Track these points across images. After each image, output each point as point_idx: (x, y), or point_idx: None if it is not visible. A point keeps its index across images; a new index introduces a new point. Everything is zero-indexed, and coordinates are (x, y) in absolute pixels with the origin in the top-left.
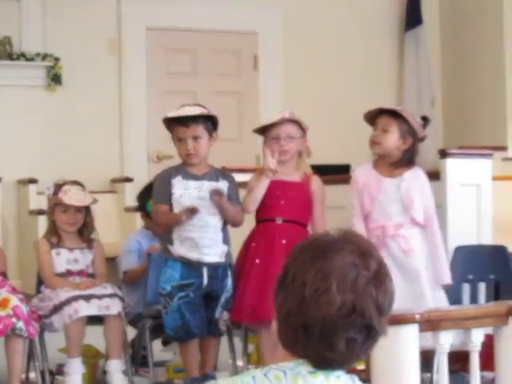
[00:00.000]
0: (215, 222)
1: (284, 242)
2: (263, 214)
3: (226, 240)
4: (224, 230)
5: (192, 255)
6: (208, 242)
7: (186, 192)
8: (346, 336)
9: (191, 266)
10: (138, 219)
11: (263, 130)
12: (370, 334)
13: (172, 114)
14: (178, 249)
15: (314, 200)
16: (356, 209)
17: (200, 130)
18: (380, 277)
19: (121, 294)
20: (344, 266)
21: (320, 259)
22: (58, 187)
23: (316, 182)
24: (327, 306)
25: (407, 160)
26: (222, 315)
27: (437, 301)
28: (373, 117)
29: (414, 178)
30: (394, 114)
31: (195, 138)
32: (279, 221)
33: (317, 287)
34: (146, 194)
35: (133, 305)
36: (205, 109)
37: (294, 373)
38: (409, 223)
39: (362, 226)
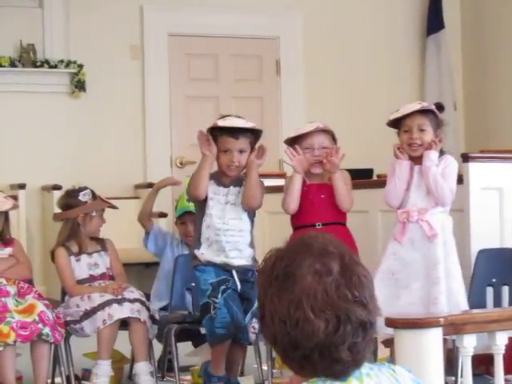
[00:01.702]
0: (242, 225)
1: None
2: (301, 220)
3: (252, 244)
4: (251, 233)
5: (219, 259)
6: (234, 245)
7: (215, 197)
8: (347, 345)
9: (221, 268)
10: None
11: (294, 141)
12: (366, 327)
13: (224, 123)
14: (205, 253)
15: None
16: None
17: (246, 143)
18: (347, 271)
19: (147, 302)
20: (309, 285)
21: (285, 290)
22: None
23: (340, 173)
24: (313, 334)
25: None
26: (252, 322)
27: (453, 292)
28: (396, 120)
29: (439, 163)
30: (422, 112)
31: (241, 151)
32: (319, 225)
33: (296, 320)
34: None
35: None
36: (252, 123)
37: None
38: (431, 207)
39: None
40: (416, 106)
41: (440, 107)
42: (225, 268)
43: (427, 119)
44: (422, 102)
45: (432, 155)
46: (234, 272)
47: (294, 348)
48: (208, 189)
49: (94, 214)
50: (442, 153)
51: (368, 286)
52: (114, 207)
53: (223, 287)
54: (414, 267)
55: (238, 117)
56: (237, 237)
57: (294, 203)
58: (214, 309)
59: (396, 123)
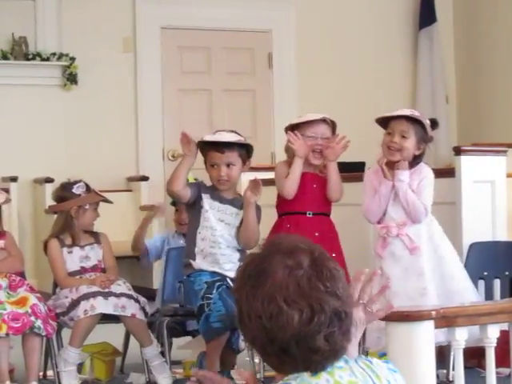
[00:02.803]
0: (235, 243)
1: (317, 234)
2: (290, 207)
3: (242, 259)
4: (241, 251)
5: (214, 270)
6: (229, 258)
7: (210, 211)
8: (322, 334)
9: (215, 273)
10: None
11: (294, 128)
12: (341, 317)
13: (208, 137)
14: (200, 264)
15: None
16: (368, 196)
17: (234, 157)
18: (317, 265)
19: (135, 294)
20: (281, 279)
21: (258, 286)
22: None
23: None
24: (288, 324)
25: (415, 163)
26: None
27: (460, 293)
28: (385, 119)
29: (412, 175)
30: (410, 120)
31: (228, 165)
32: (310, 214)
33: (270, 313)
34: None
35: None
36: (241, 137)
37: (299, 381)
38: (411, 221)
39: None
40: (406, 112)
41: (434, 123)
42: (219, 274)
43: (412, 128)
44: (416, 95)
45: (401, 176)
46: (228, 279)
47: (271, 342)
48: (204, 201)
49: (87, 206)
50: (417, 161)
51: (340, 279)
52: (108, 201)
53: (218, 283)
54: (394, 281)
55: (232, 131)
56: (230, 251)
57: (293, 189)
58: (208, 306)
59: (384, 123)
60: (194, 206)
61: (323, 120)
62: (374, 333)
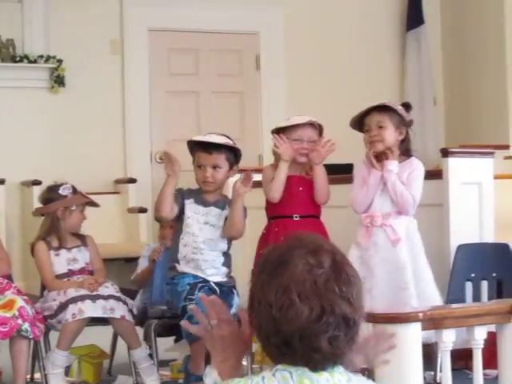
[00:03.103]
0: (218, 247)
1: None
2: (278, 210)
3: (227, 263)
4: (226, 254)
5: (197, 274)
6: (211, 263)
7: (194, 216)
8: (327, 336)
9: (199, 277)
10: (141, 220)
11: (280, 131)
12: (349, 324)
13: (197, 138)
14: (184, 268)
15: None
16: (355, 187)
17: (221, 159)
18: (337, 268)
19: (123, 296)
20: (299, 273)
21: (275, 276)
22: None
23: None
24: (297, 318)
25: (404, 149)
26: None
27: (426, 295)
28: (358, 122)
29: (403, 166)
30: (381, 110)
31: (215, 167)
32: (297, 217)
33: (281, 304)
34: None
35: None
36: (230, 140)
37: (299, 373)
38: (396, 212)
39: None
40: (374, 104)
41: (407, 106)
42: (202, 277)
43: (386, 116)
44: (404, 97)
45: (389, 165)
46: (212, 283)
47: (276, 333)
48: (186, 207)
49: (73, 208)
50: (408, 153)
51: (356, 286)
52: (95, 204)
53: (200, 285)
54: (376, 271)
55: (222, 135)
56: (212, 256)
57: (278, 192)
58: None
59: (359, 125)
60: (179, 214)
61: (310, 123)
62: None
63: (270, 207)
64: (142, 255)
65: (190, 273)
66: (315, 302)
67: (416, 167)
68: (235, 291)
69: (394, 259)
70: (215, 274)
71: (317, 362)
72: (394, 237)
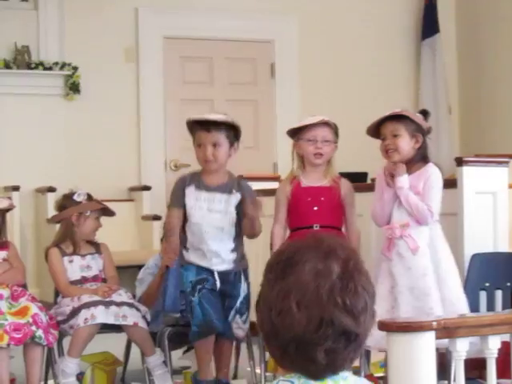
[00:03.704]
0: (225, 234)
1: None
2: (298, 222)
3: (236, 249)
4: (236, 240)
5: (202, 263)
6: (215, 253)
7: (196, 203)
8: (324, 348)
9: (203, 269)
10: (155, 228)
11: (295, 133)
12: (350, 338)
13: (195, 117)
14: (191, 256)
15: (346, 203)
16: (375, 196)
17: (221, 137)
18: (346, 277)
19: (136, 302)
20: (304, 279)
21: (281, 278)
22: None
23: (345, 184)
24: (293, 327)
25: (421, 156)
26: (236, 319)
27: (449, 301)
28: (375, 129)
29: (420, 175)
30: (396, 119)
31: (215, 145)
32: (316, 227)
33: (280, 309)
34: None
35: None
36: (229, 118)
37: (302, 382)
38: (415, 222)
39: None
40: (387, 114)
41: (425, 113)
42: (207, 268)
43: (401, 125)
44: (419, 106)
45: (399, 183)
46: (216, 273)
47: (274, 337)
48: (187, 196)
49: (88, 213)
50: (425, 160)
51: (364, 298)
52: (109, 213)
53: (199, 286)
54: (399, 280)
55: (224, 114)
56: (217, 246)
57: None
58: (191, 309)
59: (376, 132)
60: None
61: (324, 123)
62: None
63: (291, 219)
64: (144, 271)
65: (195, 263)
66: (314, 312)
67: (430, 174)
68: (243, 278)
69: (415, 267)
70: (220, 263)
71: (313, 372)
72: (413, 245)
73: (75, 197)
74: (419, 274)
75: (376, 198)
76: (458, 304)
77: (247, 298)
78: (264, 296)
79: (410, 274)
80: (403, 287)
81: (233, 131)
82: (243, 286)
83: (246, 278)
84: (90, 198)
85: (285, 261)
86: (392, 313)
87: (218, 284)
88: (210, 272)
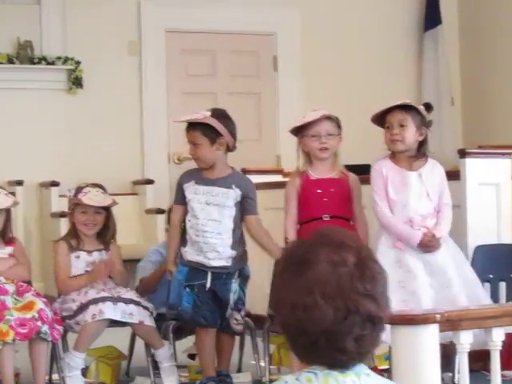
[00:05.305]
0: (221, 228)
1: None
2: (308, 214)
3: (235, 245)
4: (235, 235)
5: (198, 259)
6: (212, 247)
7: (195, 197)
8: (353, 336)
9: (196, 270)
10: (159, 221)
11: (298, 130)
12: (375, 323)
13: (177, 119)
14: (188, 251)
15: (353, 196)
16: (379, 195)
17: (197, 136)
18: (361, 265)
19: (143, 301)
20: (322, 272)
21: (298, 276)
22: (79, 189)
23: (354, 178)
24: (321, 319)
25: (423, 151)
26: (233, 315)
27: (474, 298)
28: (380, 118)
29: (433, 168)
30: (404, 109)
31: (194, 144)
32: (326, 217)
33: (305, 305)
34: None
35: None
36: (202, 115)
37: (325, 373)
38: (433, 213)
39: (388, 210)
40: (397, 103)
41: (428, 107)
42: (201, 269)
43: (409, 115)
44: (421, 98)
45: (442, 240)
46: (209, 273)
47: (301, 334)
48: (187, 190)
49: (71, 208)
50: (424, 155)
51: (381, 283)
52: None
53: (188, 290)
54: (417, 273)
55: (208, 111)
56: (214, 239)
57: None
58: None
59: (380, 121)
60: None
61: (326, 117)
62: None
63: (299, 212)
64: (145, 259)
65: (192, 260)
66: (340, 302)
67: (440, 172)
68: (236, 278)
69: (433, 259)
70: (217, 258)
71: (342, 361)
72: (440, 234)
73: (67, 192)
74: (438, 269)
75: (380, 198)
76: (480, 293)
77: (240, 294)
78: (280, 297)
79: (428, 266)
80: (423, 280)
81: (211, 127)
82: (233, 286)
83: (239, 276)
84: (77, 191)
85: (299, 259)
86: (405, 306)
87: (209, 283)
88: (203, 272)
